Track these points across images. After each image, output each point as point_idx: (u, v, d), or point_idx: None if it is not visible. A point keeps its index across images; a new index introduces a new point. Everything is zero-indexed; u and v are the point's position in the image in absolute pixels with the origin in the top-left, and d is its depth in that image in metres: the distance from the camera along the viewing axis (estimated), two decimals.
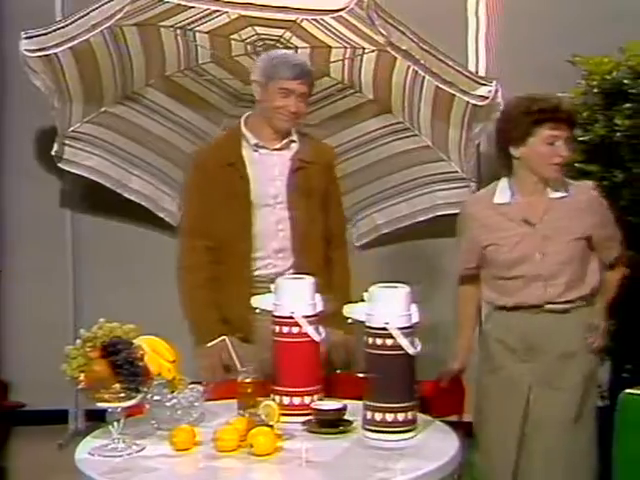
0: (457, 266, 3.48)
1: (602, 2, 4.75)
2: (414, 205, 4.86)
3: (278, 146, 3.58)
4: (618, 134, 4.20)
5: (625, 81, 4.24)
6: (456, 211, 4.70)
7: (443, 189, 4.77)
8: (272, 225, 3.53)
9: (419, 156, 4.70)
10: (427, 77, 4.18)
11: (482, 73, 4.77)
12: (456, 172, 4.67)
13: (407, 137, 4.69)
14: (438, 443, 2.67)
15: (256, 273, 3.50)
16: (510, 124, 3.34)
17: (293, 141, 3.60)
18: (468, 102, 4.21)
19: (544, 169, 3.31)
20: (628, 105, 4.21)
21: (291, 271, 3.47)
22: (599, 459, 3.22)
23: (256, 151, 3.57)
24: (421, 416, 2.76)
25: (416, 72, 4.24)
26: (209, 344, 3.46)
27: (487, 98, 4.16)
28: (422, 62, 4.06)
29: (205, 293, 3.48)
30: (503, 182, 3.40)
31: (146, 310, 4.08)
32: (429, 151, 4.67)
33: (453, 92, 4.17)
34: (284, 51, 3.96)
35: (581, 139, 4.18)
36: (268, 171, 3.55)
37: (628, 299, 4.36)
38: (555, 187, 3.37)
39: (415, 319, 2.71)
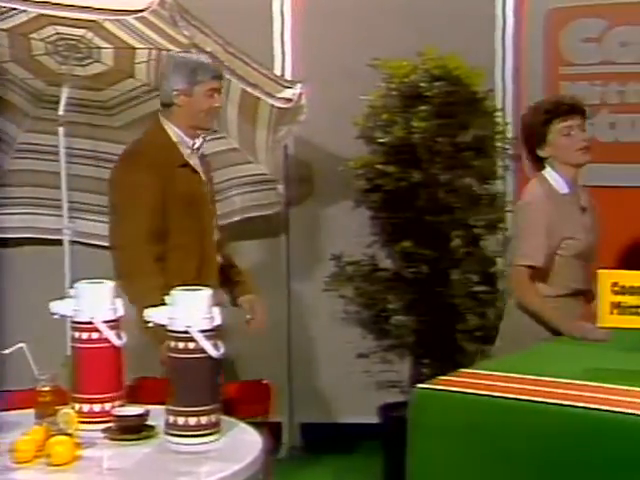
0: (517, 265, 3.48)
1: (402, 6, 4.87)
2: (224, 207, 4.87)
3: (197, 145, 3.67)
4: (416, 136, 4.34)
5: (422, 84, 4.40)
6: (265, 213, 4.84)
7: (252, 191, 4.81)
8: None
9: (227, 158, 4.70)
10: (233, 80, 4.19)
11: (288, 76, 4.82)
12: (264, 174, 4.71)
13: (215, 139, 4.69)
14: (242, 444, 2.67)
15: None
16: (527, 132, 3.65)
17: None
18: (273, 105, 4.24)
19: (572, 157, 3.54)
20: (424, 107, 4.36)
21: None
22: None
23: (192, 152, 3.65)
24: (226, 418, 2.76)
25: None
26: None
27: (292, 101, 4.21)
28: (227, 64, 4.07)
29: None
30: (550, 176, 3.58)
31: None
32: (237, 153, 4.69)
33: (258, 95, 4.20)
34: (187, 55, 3.80)
35: (381, 141, 4.31)
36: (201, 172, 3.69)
37: (427, 295, 4.53)
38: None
39: (217, 321, 2.71)
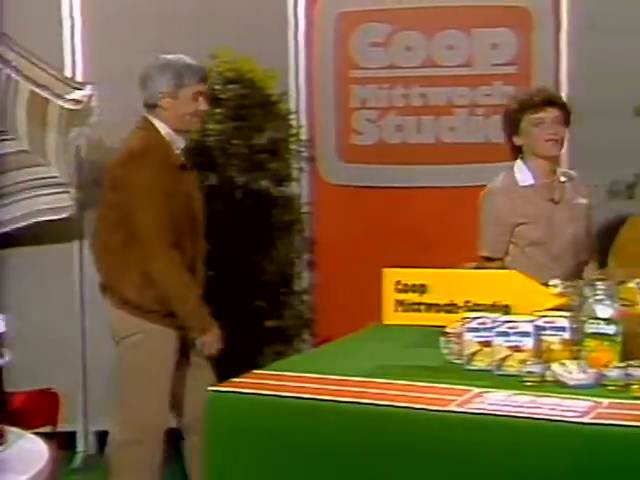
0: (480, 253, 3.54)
1: (195, 8, 4.85)
2: (14, 210, 4.72)
3: (183, 146, 3.71)
4: (211, 138, 4.35)
5: (216, 87, 4.40)
6: (57, 217, 4.71)
7: (43, 194, 4.68)
8: None
9: (16, 161, 4.57)
10: (20, 80, 4.08)
11: (79, 77, 4.72)
12: (56, 177, 4.60)
13: (2, 141, 4.55)
14: (29, 455, 2.60)
15: None
16: (505, 119, 3.71)
17: None
18: (62, 106, 4.15)
19: (541, 148, 3.60)
20: (219, 110, 4.38)
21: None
22: None
23: (180, 153, 3.68)
24: (12, 429, 2.68)
25: (9, 75, 4.12)
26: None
27: (81, 102, 4.14)
28: (14, 64, 3.96)
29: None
30: (518, 167, 3.63)
31: None
32: (27, 155, 4.56)
33: (47, 96, 4.10)
34: (175, 56, 3.75)
35: None
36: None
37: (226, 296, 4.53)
38: (559, 172, 3.68)
39: (1, 329, 2.63)
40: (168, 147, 3.63)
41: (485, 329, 2.73)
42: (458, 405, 2.39)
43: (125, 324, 3.61)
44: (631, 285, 2.66)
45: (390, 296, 2.99)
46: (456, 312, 2.90)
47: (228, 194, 4.54)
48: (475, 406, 2.38)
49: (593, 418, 2.25)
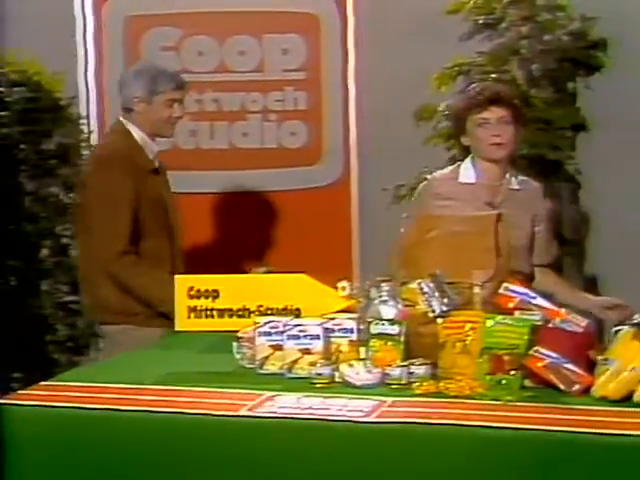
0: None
1: None
2: None
3: (157, 150, 3.75)
4: None
5: (1, 89, 4.27)
6: None
7: None
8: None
9: None
10: None
11: None
12: None
13: None
14: None
15: None
16: (452, 118, 3.58)
17: None
18: None
19: (484, 150, 3.41)
20: (5, 114, 4.25)
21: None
22: None
23: (155, 157, 3.71)
24: None
25: None
26: None
27: None
28: None
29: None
30: (466, 163, 3.43)
31: None
32: None
33: None
34: (149, 63, 3.86)
35: None
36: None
37: (15, 307, 4.41)
38: (511, 178, 3.47)
39: None
40: (139, 151, 3.67)
41: (276, 333, 2.78)
42: (249, 409, 2.41)
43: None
44: (413, 286, 2.75)
45: (183, 303, 2.98)
46: (249, 317, 2.92)
47: (16, 200, 4.41)
48: (265, 410, 2.41)
49: (377, 417, 2.33)
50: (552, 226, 3.58)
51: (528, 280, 3.34)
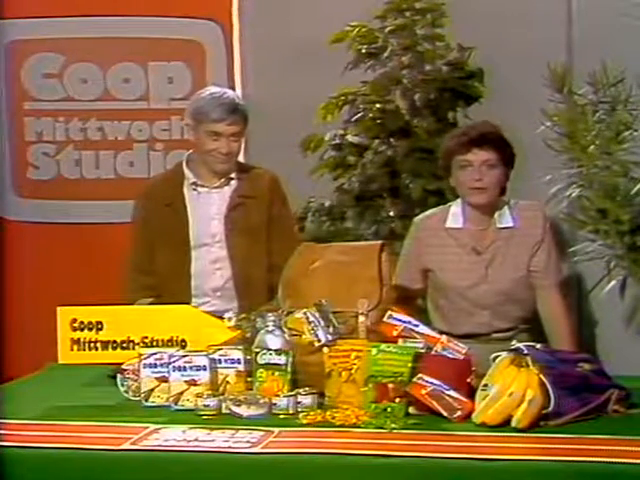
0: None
1: None
2: None
3: (217, 184, 3.54)
4: None
5: None
6: None
7: None
8: (209, 264, 3.52)
9: None
10: None
11: None
12: None
13: None
14: None
15: None
16: (440, 159, 3.38)
17: (232, 178, 3.54)
18: None
19: (465, 194, 3.28)
20: None
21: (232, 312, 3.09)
22: None
23: (195, 190, 3.54)
24: None
25: None
26: None
27: None
28: None
29: None
30: (456, 206, 3.29)
31: None
32: None
33: None
34: (212, 89, 3.60)
35: None
36: (206, 210, 3.54)
37: None
38: (500, 217, 3.31)
39: None
40: (174, 184, 3.56)
41: (162, 364, 2.76)
42: (132, 443, 2.39)
43: None
44: (299, 315, 2.77)
45: (66, 335, 2.94)
46: (133, 349, 2.89)
47: None
48: (150, 443, 2.40)
49: (263, 447, 2.33)
50: (556, 245, 3.37)
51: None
